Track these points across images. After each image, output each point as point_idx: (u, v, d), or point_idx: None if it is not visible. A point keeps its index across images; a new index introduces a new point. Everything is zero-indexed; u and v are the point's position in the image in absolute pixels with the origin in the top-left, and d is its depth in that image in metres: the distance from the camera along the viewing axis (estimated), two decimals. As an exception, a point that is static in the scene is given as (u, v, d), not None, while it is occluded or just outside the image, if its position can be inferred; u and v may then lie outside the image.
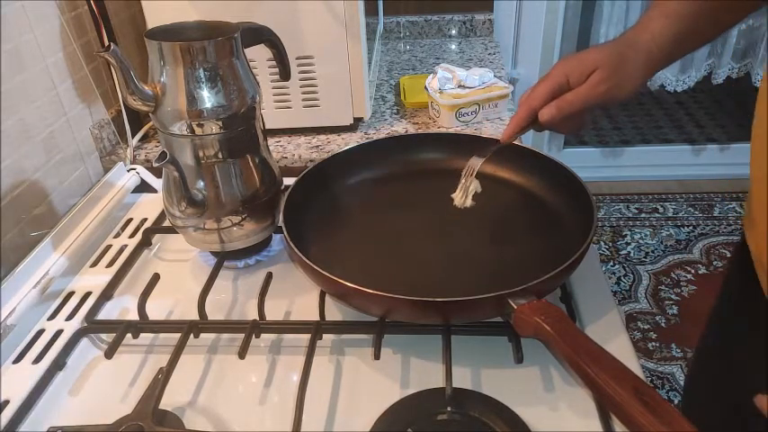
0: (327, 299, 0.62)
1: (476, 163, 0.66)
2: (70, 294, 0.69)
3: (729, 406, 0.69)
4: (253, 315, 0.62)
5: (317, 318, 0.61)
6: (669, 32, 0.61)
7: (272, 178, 0.69)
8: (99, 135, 0.89)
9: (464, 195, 0.66)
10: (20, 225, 0.71)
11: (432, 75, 1.07)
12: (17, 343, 0.62)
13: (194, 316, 0.62)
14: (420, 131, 1.02)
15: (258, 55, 0.87)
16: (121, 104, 0.93)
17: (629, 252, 1.98)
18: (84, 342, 0.62)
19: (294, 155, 0.97)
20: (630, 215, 2.16)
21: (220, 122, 0.62)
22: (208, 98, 0.60)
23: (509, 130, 0.65)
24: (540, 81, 0.63)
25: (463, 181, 0.66)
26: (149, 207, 0.85)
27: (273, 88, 0.97)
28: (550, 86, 0.62)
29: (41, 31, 0.77)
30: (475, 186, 0.66)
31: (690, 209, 2.17)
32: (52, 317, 0.66)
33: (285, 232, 0.62)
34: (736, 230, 2.05)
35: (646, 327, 1.69)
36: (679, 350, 1.62)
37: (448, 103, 1.00)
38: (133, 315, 0.63)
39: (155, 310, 0.63)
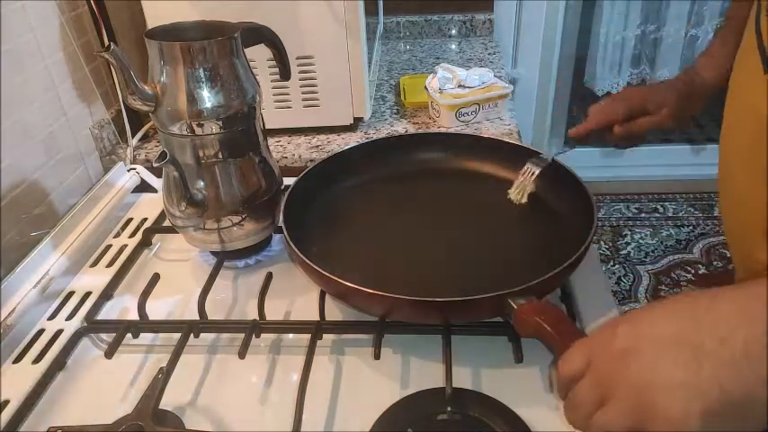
0: (327, 299, 0.62)
1: (536, 168, 0.72)
2: (70, 294, 0.69)
3: None
4: (253, 315, 0.62)
5: (317, 318, 0.61)
6: (716, 77, 0.71)
7: (272, 178, 0.69)
8: (99, 135, 0.89)
9: (521, 193, 0.72)
10: (20, 225, 0.71)
11: (432, 75, 1.07)
12: (17, 343, 0.62)
13: (194, 316, 0.62)
14: (420, 131, 1.02)
15: (258, 55, 0.87)
16: (121, 104, 0.93)
17: (629, 252, 1.98)
18: (85, 342, 0.62)
19: (294, 155, 0.97)
20: (630, 215, 2.16)
21: (220, 122, 0.62)
22: (208, 98, 0.60)
23: (582, 128, 0.74)
24: (617, 100, 0.73)
25: (521, 179, 0.72)
26: (149, 207, 0.85)
27: (273, 88, 0.97)
28: (629, 108, 0.72)
29: (41, 31, 0.77)
30: (531, 188, 0.72)
31: (690, 209, 2.17)
32: (52, 317, 0.66)
33: (285, 232, 0.62)
34: (736, 230, 2.05)
35: (646, 327, 1.69)
36: (679, 350, 1.61)
37: (448, 103, 1.00)
38: (133, 315, 0.63)
39: (155, 310, 0.63)
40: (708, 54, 0.74)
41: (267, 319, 0.61)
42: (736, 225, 0.56)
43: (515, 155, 0.75)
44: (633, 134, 0.73)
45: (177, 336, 0.59)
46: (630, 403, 0.35)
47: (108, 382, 0.58)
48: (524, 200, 0.72)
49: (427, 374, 0.56)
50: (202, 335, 0.61)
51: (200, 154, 0.63)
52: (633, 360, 0.35)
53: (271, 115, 0.97)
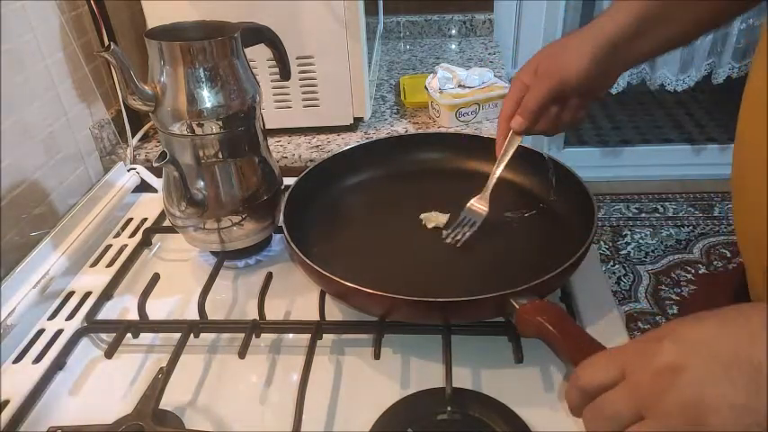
0: (327, 299, 0.62)
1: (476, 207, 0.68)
2: (70, 294, 0.69)
3: None
4: (253, 315, 0.62)
5: (317, 318, 0.60)
6: (623, 22, 0.58)
7: (272, 178, 0.69)
8: (99, 135, 0.89)
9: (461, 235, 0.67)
10: (20, 225, 0.71)
11: (432, 74, 1.07)
12: (17, 343, 0.62)
13: (194, 316, 0.62)
14: (420, 131, 1.02)
15: (258, 55, 0.87)
16: (121, 104, 0.93)
17: (629, 252, 1.98)
18: (85, 342, 0.62)
19: (294, 155, 0.97)
20: (630, 215, 2.16)
21: (220, 122, 0.62)
22: (208, 98, 0.60)
23: (498, 148, 0.67)
24: (505, 98, 0.66)
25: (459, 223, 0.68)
26: (149, 207, 0.85)
27: (273, 88, 0.97)
28: (514, 99, 0.64)
29: (41, 31, 0.77)
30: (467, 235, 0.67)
31: (690, 209, 2.17)
32: (52, 317, 0.66)
33: (285, 232, 0.62)
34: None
35: (646, 327, 1.69)
36: (679, 350, 1.61)
37: (448, 103, 1.00)
38: (133, 315, 0.63)
39: (155, 310, 0.63)
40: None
41: (267, 319, 0.61)
42: (751, 231, 0.54)
43: (515, 155, 0.75)
44: (531, 117, 0.63)
45: (177, 336, 0.59)
46: (677, 421, 0.33)
47: (108, 382, 0.58)
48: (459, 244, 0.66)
49: (427, 374, 0.56)
50: (202, 335, 0.61)
51: (200, 154, 0.63)
52: (683, 377, 0.33)
53: (271, 115, 0.97)
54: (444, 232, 0.68)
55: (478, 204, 0.68)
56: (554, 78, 0.60)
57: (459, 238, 0.66)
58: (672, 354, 0.35)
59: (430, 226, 0.69)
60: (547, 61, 0.61)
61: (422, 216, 0.70)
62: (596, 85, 0.61)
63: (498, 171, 0.67)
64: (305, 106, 0.99)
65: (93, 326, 0.63)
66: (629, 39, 0.58)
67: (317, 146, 0.98)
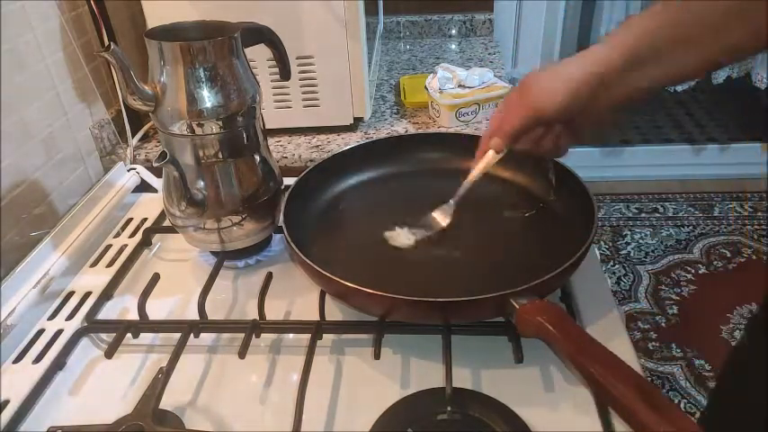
0: (327, 299, 0.62)
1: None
2: (70, 294, 0.69)
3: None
4: (253, 315, 0.62)
5: (317, 318, 0.60)
6: (610, 59, 0.55)
7: (272, 178, 0.69)
8: (99, 135, 0.89)
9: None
10: (20, 225, 0.71)
11: (432, 75, 1.07)
12: (17, 343, 0.62)
13: (194, 316, 0.62)
14: (420, 131, 1.02)
15: (258, 55, 0.87)
16: (121, 104, 0.93)
17: (629, 252, 1.98)
18: (85, 342, 0.62)
19: (294, 155, 0.97)
20: (630, 215, 2.16)
21: (220, 122, 0.62)
22: (208, 98, 0.60)
23: (476, 162, 0.66)
24: (510, 113, 0.62)
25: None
26: (149, 207, 0.85)
27: (273, 88, 0.97)
28: (498, 117, 0.62)
29: (41, 31, 0.77)
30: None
31: (690, 209, 2.17)
32: (52, 317, 0.66)
33: (285, 232, 0.62)
34: (736, 230, 2.05)
35: (646, 327, 1.69)
36: (679, 350, 1.61)
37: (448, 103, 1.00)
38: (133, 315, 0.63)
39: (155, 310, 0.63)
40: (619, 31, 0.56)
41: (267, 319, 0.61)
42: None
43: (515, 155, 0.75)
44: (508, 140, 0.62)
45: (177, 336, 0.59)
46: None
47: (108, 382, 0.58)
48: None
49: (427, 374, 0.56)
50: (202, 335, 0.61)
51: (200, 154, 0.63)
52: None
53: (271, 115, 0.97)
54: (390, 234, 0.67)
55: (439, 216, 0.68)
56: (529, 107, 0.58)
57: (405, 241, 0.66)
58: None
59: (393, 244, 0.67)
60: (529, 87, 0.59)
61: (386, 234, 0.68)
62: (579, 117, 0.59)
63: (467, 185, 0.67)
64: (305, 106, 0.99)
65: (93, 326, 0.63)
66: (616, 76, 0.55)
67: (317, 146, 0.98)
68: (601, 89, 0.55)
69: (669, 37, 0.53)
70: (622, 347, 0.56)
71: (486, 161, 0.64)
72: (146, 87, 0.59)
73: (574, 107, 0.56)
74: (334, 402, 0.54)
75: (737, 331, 1.65)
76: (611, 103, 0.57)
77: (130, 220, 0.83)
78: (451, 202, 0.68)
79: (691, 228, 2.08)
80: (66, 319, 0.65)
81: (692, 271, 1.88)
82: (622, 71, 0.54)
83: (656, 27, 0.53)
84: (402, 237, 0.67)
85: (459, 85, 1.03)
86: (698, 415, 1.44)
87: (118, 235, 0.80)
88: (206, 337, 0.61)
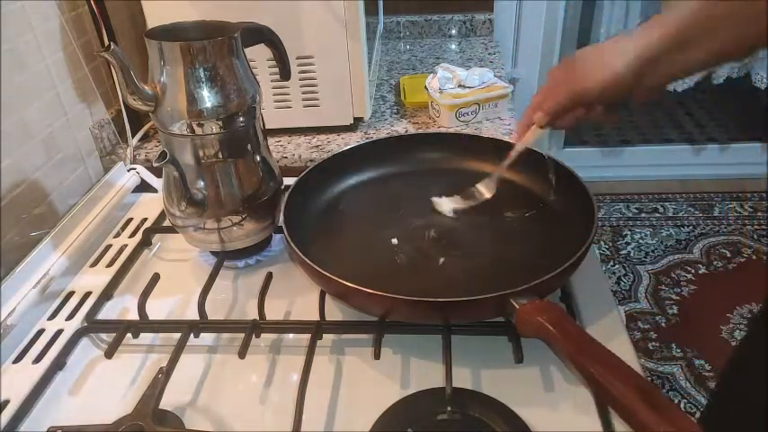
0: (327, 299, 0.62)
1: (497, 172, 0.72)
2: (70, 294, 0.69)
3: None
4: (253, 315, 0.62)
5: (317, 318, 0.61)
6: (655, 39, 0.55)
7: (272, 178, 0.69)
8: (99, 135, 0.89)
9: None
10: (20, 225, 0.71)
11: (432, 75, 1.07)
12: (17, 343, 0.62)
13: (194, 316, 0.62)
14: (420, 131, 1.02)
15: (258, 55, 0.87)
16: (121, 104, 0.93)
17: (629, 252, 1.98)
18: (85, 342, 0.62)
19: (294, 155, 0.97)
20: (630, 215, 2.16)
21: (220, 122, 0.62)
22: (208, 98, 0.60)
23: (517, 135, 0.69)
24: (555, 91, 0.63)
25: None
26: (149, 207, 0.85)
27: (273, 88, 0.97)
28: (544, 92, 0.64)
29: (41, 31, 0.77)
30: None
31: (690, 209, 2.17)
32: (52, 317, 0.66)
33: (285, 232, 0.62)
34: (735, 230, 2.05)
35: (646, 327, 1.69)
36: (679, 350, 1.61)
37: (448, 103, 1.00)
38: (133, 315, 0.63)
39: (155, 310, 0.63)
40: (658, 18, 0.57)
41: (267, 319, 0.61)
42: None
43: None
44: (559, 126, 0.65)
45: (177, 336, 0.59)
46: None
47: (108, 382, 0.58)
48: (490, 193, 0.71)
49: (427, 374, 0.56)
50: (202, 335, 0.61)
51: (201, 154, 0.63)
52: None
53: (271, 115, 0.97)
54: (437, 200, 0.72)
55: (483, 188, 0.72)
56: (574, 87, 0.60)
57: (453, 206, 0.71)
58: None
59: (438, 209, 0.72)
60: (576, 66, 0.60)
61: (433, 199, 0.73)
62: (622, 97, 0.60)
63: (511, 159, 0.69)
64: (305, 106, 0.99)
65: (93, 326, 0.63)
66: (661, 58, 0.55)
67: (317, 146, 0.98)
68: (645, 71, 0.56)
69: (714, 17, 0.53)
70: (622, 347, 0.56)
71: (532, 135, 0.66)
72: (146, 87, 0.59)
73: (618, 90, 0.57)
74: (334, 402, 0.54)
75: (737, 331, 1.65)
76: (656, 83, 0.58)
77: (130, 220, 0.83)
78: (495, 174, 0.71)
79: (691, 228, 2.08)
80: (66, 319, 0.65)
81: (692, 271, 1.88)
82: (667, 53, 0.55)
83: (699, 9, 0.53)
84: (446, 204, 0.72)
85: (459, 85, 1.03)
86: (698, 415, 1.44)
87: (118, 235, 0.80)
88: (206, 337, 0.61)
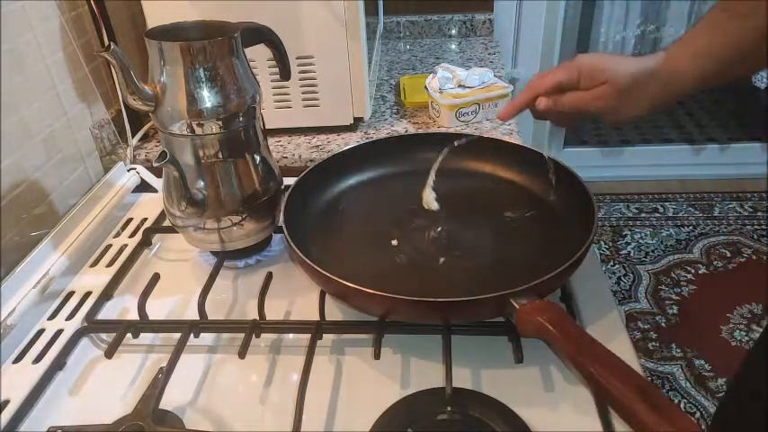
0: (327, 299, 0.62)
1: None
2: (70, 294, 0.69)
3: None
4: (253, 315, 0.62)
5: (317, 318, 0.60)
6: (694, 73, 0.58)
7: (272, 178, 0.69)
8: (99, 135, 0.89)
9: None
10: (20, 225, 0.71)
11: (432, 74, 1.07)
12: (17, 343, 0.62)
13: (194, 316, 0.62)
14: (420, 131, 1.02)
15: (258, 55, 0.87)
16: (121, 104, 0.93)
17: (629, 252, 1.98)
18: (85, 342, 0.62)
19: (294, 155, 0.97)
20: (630, 215, 2.16)
21: (220, 122, 0.62)
22: (208, 98, 0.60)
23: (508, 108, 0.66)
24: (553, 70, 0.63)
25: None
26: (149, 207, 0.85)
27: (273, 88, 0.97)
28: (559, 79, 0.61)
29: (41, 31, 0.77)
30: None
31: (690, 209, 2.17)
32: (52, 317, 0.66)
33: (285, 232, 0.62)
34: (735, 230, 2.05)
35: (646, 327, 1.69)
36: (679, 350, 1.61)
37: (448, 103, 1.00)
38: (133, 315, 0.63)
39: (155, 310, 0.63)
40: (685, 41, 0.60)
41: (267, 319, 0.61)
42: None
43: (515, 155, 0.75)
44: (557, 111, 0.63)
45: (177, 336, 0.59)
46: None
47: (108, 382, 0.58)
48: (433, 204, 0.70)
49: (427, 374, 0.56)
50: (202, 335, 0.61)
51: (201, 154, 0.63)
52: None
53: (271, 115, 0.97)
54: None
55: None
56: (608, 110, 0.60)
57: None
58: None
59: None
60: (615, 91, 0.59)
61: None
62: (621, 103, 0.61)
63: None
64: (305, 106, 0.99)
65: (93, 326, 0.63)
66: (685, 94, 0.60)
67: (317, 146, 0.98)
68: (651, 81, 0.59)
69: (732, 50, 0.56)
70: (622, 347, 0.56)
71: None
72: (146, 87, 0.59)
73: (630, 87, 0.59)
74: (334, 402, 0.54)
75: (737, 331, 1.65)
76: (654, 97, 0.60)
77: (130, 220, 0.83)
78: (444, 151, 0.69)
79: (691, 228, 2.08)
80: (66, 319, 0.65)
81: (692, 271, 1.88)
82: (695, 83, 0.58)
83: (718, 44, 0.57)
84: (429, 196, 0.70)
85: (459, 85, 1.03)
86: (698, 415, 1.44)
87: (118, 235, 0.80)
88: (206, 337, 0.61)
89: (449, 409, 0.51)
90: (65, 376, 0.59)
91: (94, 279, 0.71)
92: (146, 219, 0.83)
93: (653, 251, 1.98)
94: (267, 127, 0.70)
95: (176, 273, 0.72)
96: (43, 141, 0.77)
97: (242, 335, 0.58)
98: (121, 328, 0.60)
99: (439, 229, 0.69)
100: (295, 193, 0.69)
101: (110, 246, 0.78)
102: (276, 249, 0.75)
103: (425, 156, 0.80)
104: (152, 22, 0.89)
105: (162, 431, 0.50)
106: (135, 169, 0.89)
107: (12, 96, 0.71)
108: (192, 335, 0.60)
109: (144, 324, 0.62)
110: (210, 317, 0.62)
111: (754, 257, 1.93)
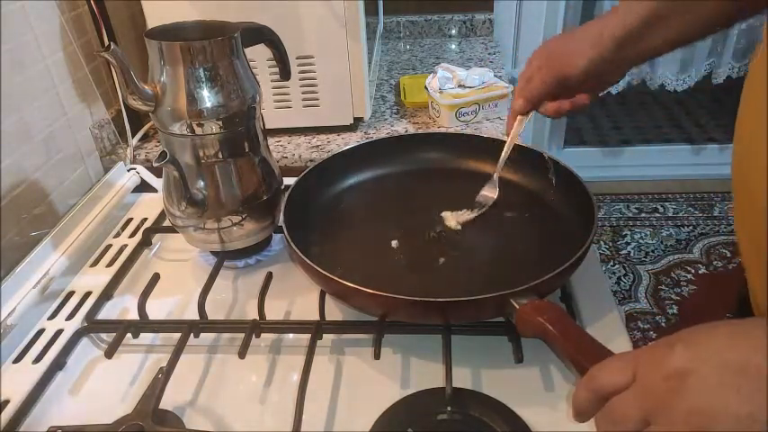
0: (327, 299, 0.62)
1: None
2: (70, 294, 0.69)
3: None
4: (253, 315, 0.62)
5: (317, 318, 0.60)
6: (629, 24, 0.58)
7: (272, 178, 0.69)
8: (99, 135, 0.89)
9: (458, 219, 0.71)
10: (20, 225, 0.71)
11: (432, 74, 1.07)
12: (17, 343, 0.62)
13: (194, 316, 0.62)
14: (420, 131, 1.02)
15: (258, 55, 0.87)
16: (121, 104, 0.93)
17: (629, 252, 1.98)
18: (85, 342, 0.62)
19: (294, 155, 0.97)
20: (630, 215, 2.16)
21: (220, 122, 0.62)
22: (208, 98, 0.60)
23: (507, 127, 0.70)
24: (533, 86, 0.65)
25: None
26: (149, 207, 0.85)
27: (273, 88, 0.97)
28: (525, 77, 0.66)
29: (41, 31, 0.77)
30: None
31: (690, 209, 2.17)
32: (52, 317, 0.66)
33: (285, 232, 0.62)
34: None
35: (646, 327, 1.69)
36: (679, 350, 1.61)
37: (448, 103, 1.00)
38: (133, 315, 0.63)
39: (155, 310, 0.63)
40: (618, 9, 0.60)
41: (267, 319, 0.61)
42: (751, 232, 0.54)
43: (515, 155, 0.75)
44: (542, 112, 0.66)
45: (177, 336, 0.59)
46: (683, 428, 0.33)
47: (108, 382, 0.58)
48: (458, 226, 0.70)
49: (427, 374, 0.56)
50: (202, 335, 0.61)
51: (201, 154, 0.63)
52: (690, 383, 0.33)
53: (271, 115, 0.97)
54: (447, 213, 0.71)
55: (487, 192, 0.72)
56: (556, 73, 0.62)
57: (460, 220, 0.70)
58: (683, 359, 0.34)
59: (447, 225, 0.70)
60: (554, 52, 0.63)
61: (443, 215, 0.71)
62: (600, 80, 0.63)
63: (505, 155, 0.71)
64: (305, 106, 0.99)
65: (93, 326, 0.63)
66: (635, 39, 0.58)
67: (317, 146, 0.98)
68: (619, 53, 0.59)
69: None
70: (622, 348, 0.56)
71: (519, 124, 0.68)
72: (146, 87, 0.59)
73: (597, 72, 0.60)
74: (334, 402, 0.54)
75: (737, 331, 1.65)
76: (628, 66, 0.61)
77: (130, 220, 0.83)
78: (495, 176, 0.72)
79: (691, 228, 2.08)
80: (66, 319, 0.65)
81: (692, 271, 1.88)
82: (638, 36, 0.58)
83: None
84: (451, 220, 0.70)
85: (459, 85, 1.03)
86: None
87: (118, 235, 0.80)
88: (206, 337, 0.61)
89: (449, 409, 0.51)
90: (65, 376, 0.59)
91: (94, 279, 0.71)
92: (146, 219, 0.82)
93: (653, 251, 1.98)
94: (267, 127, 0.70)
95: (176, 273, 0.72)
96: (43, 141, 0.77)
97: (242, 335, 0.58)
98: (121, 328, 0.60)
99: (439, 229, 0.69)
100: (295, 193, 0.69)
101: (110, 246, 0.78)
102: (276, 249, 0.75)
103: (425, 156, 0.81)
104: (152, 22, 0.89)
105: (162, 431, 0.50)
106: (135, 169, 0.89)
107: (12, 96, 0.71)
108: (191, 335, 0.60)
109: (144, 324, 0.62)
110: (210, 317, 0.62)
111: (754, 257, 1.93)
